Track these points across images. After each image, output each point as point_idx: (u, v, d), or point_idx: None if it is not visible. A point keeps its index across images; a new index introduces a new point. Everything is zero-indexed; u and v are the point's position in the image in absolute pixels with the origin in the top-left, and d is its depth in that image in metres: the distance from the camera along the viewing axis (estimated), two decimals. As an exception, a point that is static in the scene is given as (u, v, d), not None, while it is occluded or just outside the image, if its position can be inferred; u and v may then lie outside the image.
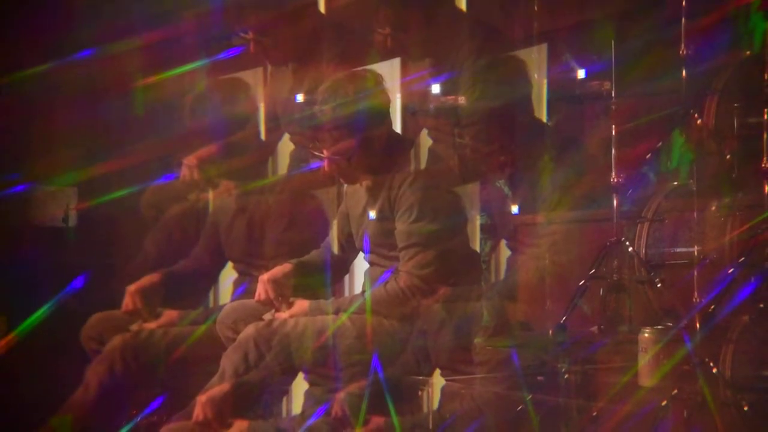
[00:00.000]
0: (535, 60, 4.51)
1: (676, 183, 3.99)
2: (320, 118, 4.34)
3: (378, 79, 4.39)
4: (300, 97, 4.70)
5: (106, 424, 4.58)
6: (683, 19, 3.89)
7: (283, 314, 4.34)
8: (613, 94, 3.95)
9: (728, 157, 3.84)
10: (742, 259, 3.61)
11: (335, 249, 4.57)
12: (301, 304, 4.36)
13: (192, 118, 4.85)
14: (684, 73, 3.88)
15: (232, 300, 4.68)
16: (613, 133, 3.96)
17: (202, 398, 4.27)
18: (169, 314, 4.75)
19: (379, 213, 4.37)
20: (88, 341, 4.77)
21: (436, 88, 4.54)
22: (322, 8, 5.09)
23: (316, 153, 4.37)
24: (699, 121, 3.90)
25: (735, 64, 3.94)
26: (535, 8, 4.53)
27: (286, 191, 4.84)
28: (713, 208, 3.80)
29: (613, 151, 3.97)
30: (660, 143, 4.04)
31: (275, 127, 5.08)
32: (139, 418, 4.57)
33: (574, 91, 4.19)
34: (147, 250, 5.07)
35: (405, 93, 4.71)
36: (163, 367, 4.64)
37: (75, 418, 4.61)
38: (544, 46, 4.53)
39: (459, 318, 4.17)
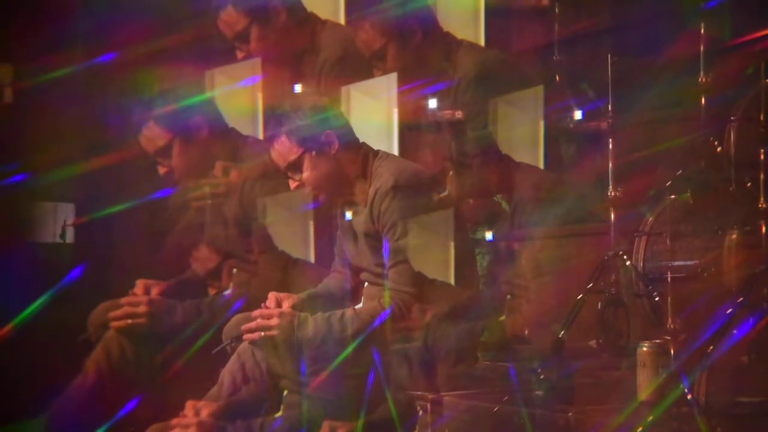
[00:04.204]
0: (532, 101, 4.56)
1: (673, 197, 3.99)
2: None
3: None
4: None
5: (105, 411, 4.57)
6: (701, 47, 3.92)
7: (271, 321, 4.31)
8: (610, 108, 3.97)
9: (749, 185, 3.83)
10: (741, 299, 3.59)
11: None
12: (288, 317, 4.34)
13: None
14: (703, 100, 3.91)
15: (231, 312, 4.65)
16: (610, 146, 3.98)
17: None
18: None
19: (365, 231, 4.37)
20: (95, 329, 4.76)
21: (433, 103, 4.57)
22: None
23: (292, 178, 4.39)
24: (719, 149, 3.91)
25: (755, 91, 3.93)
26: (556, 47, 4.62)
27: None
28: (734, 236, 3.79)
29: (610, 165, 3.98)
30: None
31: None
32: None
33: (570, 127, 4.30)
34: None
35: (402, 107, 4.71)
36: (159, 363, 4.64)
37: (74, 404, 4.61)
38: (540, 88, 4.57)
39: (458, 332, 4.16)
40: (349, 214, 4.42)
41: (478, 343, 4.13)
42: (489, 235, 4.47)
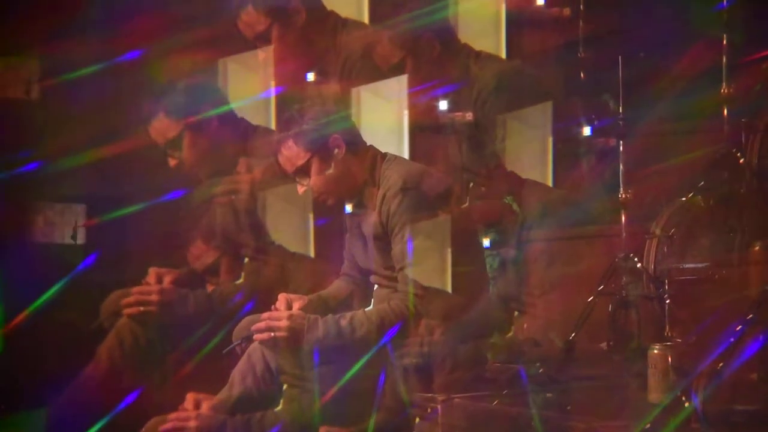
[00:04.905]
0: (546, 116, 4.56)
1: (684, 198, 3.99)
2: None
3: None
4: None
5: (116, 398, 4.58)
6: (724, 58, 3.92)
7: (281, 323, 4.31)
8: (620, 109, 3.98)
9: None
10: (751, 315, 3.58)
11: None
12: (298, 319, 4.33)
13: None
14: (725, 111, 3.91)
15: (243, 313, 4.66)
16: (620, 148, 3.98)
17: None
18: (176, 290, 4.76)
19: (374, 234, 4.37)
20: (108, 317, 4.77)
21: (443, 105, 4.56)
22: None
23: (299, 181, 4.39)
24: (741, 160, 3.91)
25: None
26: (581, 44, 4.61)
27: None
28: (756, 248, 3.78)
29: (621, 166, 3.98)
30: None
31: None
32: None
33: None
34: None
35: (412, 109, 4.71)
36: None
37: (85, 391, 4.63)
38: (549, 104, 4.57)
39: (465, 349, 4.15)
40: (348, 207, 4.42)
41: (484, 359, 4.13)
42: (498, 238, 4.46)
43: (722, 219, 3.94)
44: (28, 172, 5.03)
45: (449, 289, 4.32)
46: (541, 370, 3.80)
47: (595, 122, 4.45)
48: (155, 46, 5.07)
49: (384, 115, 4.71)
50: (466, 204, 4.48)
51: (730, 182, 3.97)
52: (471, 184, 4.55)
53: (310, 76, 4.87)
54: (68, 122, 5.21)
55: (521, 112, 4.57)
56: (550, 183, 4.51)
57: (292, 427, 4.23)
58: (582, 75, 4.79)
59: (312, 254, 4.66)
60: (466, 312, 4.28)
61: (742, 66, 4.12)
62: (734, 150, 3.95)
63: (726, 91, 3.99)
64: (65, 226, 5.25)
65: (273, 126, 4.79)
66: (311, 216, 4.62)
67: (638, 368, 3.70)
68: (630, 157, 4.07)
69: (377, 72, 4.79)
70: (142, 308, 4.65)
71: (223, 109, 4.77)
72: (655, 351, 3.62)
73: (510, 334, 4.24)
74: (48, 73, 5.29)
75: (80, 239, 5.18)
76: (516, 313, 4.31)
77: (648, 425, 3.47)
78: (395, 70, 4.74)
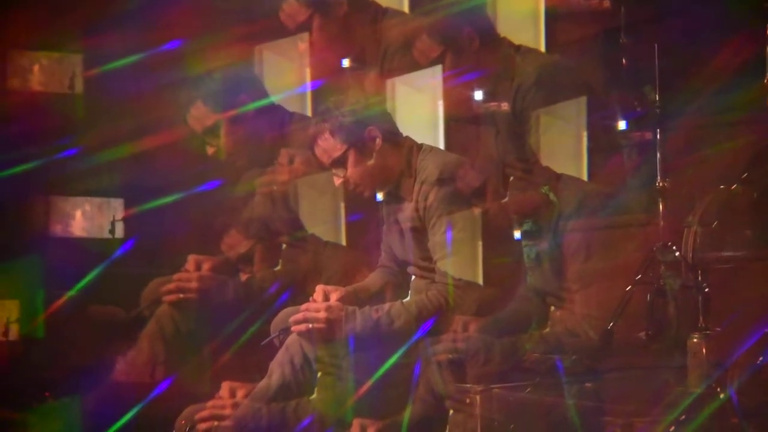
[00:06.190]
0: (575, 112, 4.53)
1: (722, 186, 3.96)
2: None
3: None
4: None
5: (156, 385, 4.62)
6: (767, 48, 3.89)
7: (319, 314, 4.31)
8: (657, 97, 3.95)
9: None
10: None
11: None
12: (336, 310, 4.33)
13: None
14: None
15: (279, 304, 4.67)
16: (658, 136, 3.96)
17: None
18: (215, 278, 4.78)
19: (411, 225, 4.37)
20: (148, 305, 4.81)
21: (479, 95, 4.55)
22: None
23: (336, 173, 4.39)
24: None
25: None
26: (622, 30, 4.57)
27: None
28: None
29: (658, 155, 3.96)
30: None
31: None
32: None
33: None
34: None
35: (448, 100, 4.70)
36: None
37: (125, 379, 4.68)
38: (583, 99, 4.54)
39: (502, 346, 4.14)
40: (380, 196, 4.43)
41: (520, 354, 4.12)
42: (535, 229, 4.44)
43: (764, 211, 3.91)
44: (70, 164, 5.08)
45: (485, 280, 4.32)
46: (574, 358, 3.78)
47: (637, 110, 4.42)
48: (196, 37, 5.10)
49: (420, 107, 4.72)
50: (506, 198, 4.47)
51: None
52: (511, 178, 4.53)
53: (346, 63, 4.87)
54: (110, 114, 5.26)
55: (559, 105, 4.55)
56: (585, 176, 4.49)
57: (326, 416, 4.24)
58: (623, 62, 4.74)
59: (344, 244, 4.67)
60: (503, 304, 4.28)
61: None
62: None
63: (768, 81, 3.96)
64: (104, 220, 5.29)
65: (309, 113, 4.81)
66: (343, 206, 4.63)
67: (677, 358, 3.69)
68: (671, 149, 4.04)
69: (416, 66, 4.79)
70: (182, 295, 4.69)
71: (263, 101, 4.79)
72: (695, 340, 3.61)
73: (547, 330, 4.22)
74: (90, 66, 5.33)
75: (118, 233, 5.21)
76: (552, 307, 4.30)
77: (683, 416, 3.45)
78: (434, 65, 4.74)
